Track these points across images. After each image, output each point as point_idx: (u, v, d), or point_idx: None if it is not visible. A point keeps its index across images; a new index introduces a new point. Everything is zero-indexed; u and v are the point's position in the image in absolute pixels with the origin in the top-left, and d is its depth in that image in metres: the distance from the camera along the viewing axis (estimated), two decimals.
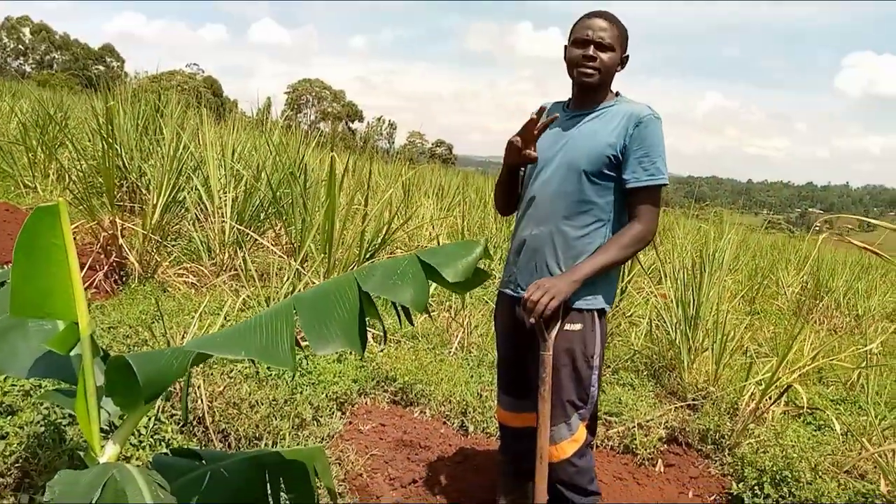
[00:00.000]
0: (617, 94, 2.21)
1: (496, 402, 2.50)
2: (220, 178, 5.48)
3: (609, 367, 4.42)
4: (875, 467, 3.01)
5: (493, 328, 2.52)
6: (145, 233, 4.60)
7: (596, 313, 2.12)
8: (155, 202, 4.89)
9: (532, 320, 2.00)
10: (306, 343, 1.43)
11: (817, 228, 8.27)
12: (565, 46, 2.19)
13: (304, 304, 1.47)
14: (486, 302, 5.07)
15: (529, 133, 2.08)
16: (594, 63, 2.07)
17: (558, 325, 2.05)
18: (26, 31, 70.72)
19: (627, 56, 2.16)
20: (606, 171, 2.07)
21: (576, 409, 2.16)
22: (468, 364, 3.98)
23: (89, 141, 7.35)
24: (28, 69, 65.26)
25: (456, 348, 4.14)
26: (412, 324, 3.35)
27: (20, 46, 70.72)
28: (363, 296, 1.51)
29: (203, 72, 59.61)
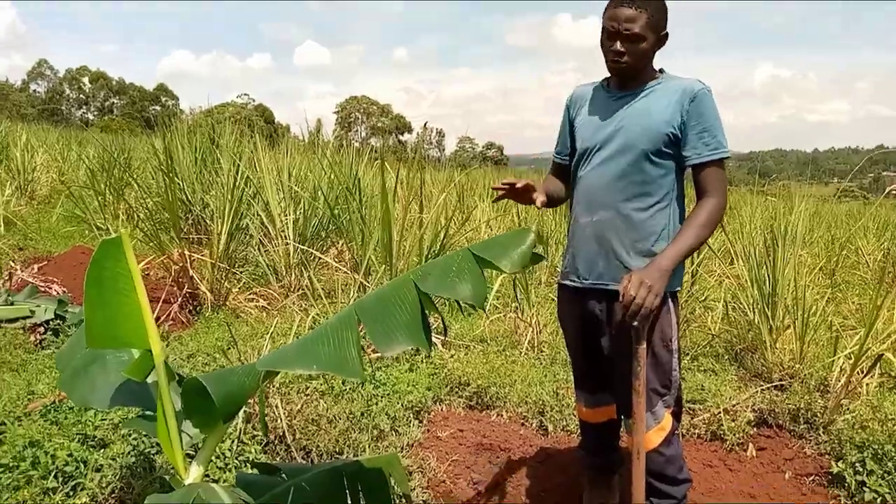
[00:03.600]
0: (661, 70, 2.11)
1: (574, 399, 2.44)
2: (280, 202, 5.60)
3: (688, 354, 4.29)
4: None
5: (560, 324, 2.44)
6: (213, 262, 4.74)
7: (670, 296, 2.05)
8: (219, 231, 5.03)
9: (634, 322, 1.86)
10: (375, 354, 1.43)
11: (894, 192, 7.87)
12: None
13: (366, 309, 1.47)
14: (552, 300, 5.00)
15: (523, 196, 2.08)
16: (623, 58, 1.98)
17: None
18: (86, 80, 74.42)
19: (666, 34, 2.03)
20: (665, 150, 2.00)
21: (660, 397, 2.09)
22: (541, 363, 3.92)
23: (153, 179, 7.65)
24: (91, 117, 68.63)
25: (526, 349, 4.09)
26: (445, 334, 3.33)
27: (82, 96, 74.43)
28: (422, 295, 1.50)
29: (254, 101, 61.41)
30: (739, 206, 11.18)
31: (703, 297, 5.52)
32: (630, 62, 1.98)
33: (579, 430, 2.50)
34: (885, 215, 11.57)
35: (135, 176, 8.16)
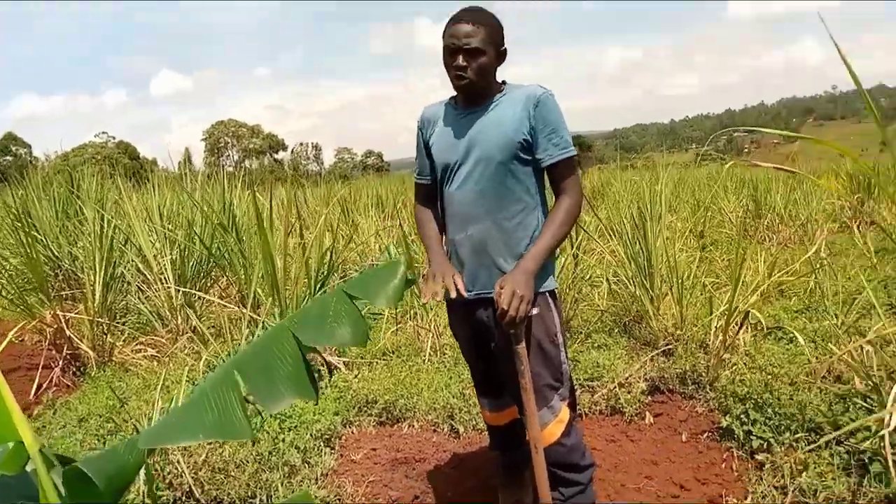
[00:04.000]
0: (503, 82, 2.18)
1: (479, 405, 2.50)
2: (154, 244, 5.36)
3: (581, 332, 4.48)
4: (847, 368, 3.11)
5: (453, 334, 2.50)
6: (91, 317, 4.47)
7: (548, 294, 2.14)
8: (93, 284, 4.75)
9: (512, 330, 1.98)
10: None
11: (746, 151, 8.51)
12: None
13: (246, 366, 1.44)
14: None
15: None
16: (466, 73, 2.03)
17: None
18: None
19: (504, 50, 2.12)
20: (522, 156, 2.07)
21: (555, 391, 2.18)
22: (445, 367, 3.98)
23: (11, 238, 7.11)
24: None
25: (429, 354, 4.14)
26: (331, 376, 3.31)
27: None
28: (302, 346, 1.48)
29: (114, 138, 58.12)
30: (610, 183, 11.77)
31: (588, 276, 5.77)
32: (473, 77, 2.04)
33: (487, 429, 2.57)
34: (741, 173, 12.49)
35: None
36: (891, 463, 2.28)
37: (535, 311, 2.08)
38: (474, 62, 2.02)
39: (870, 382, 2.78)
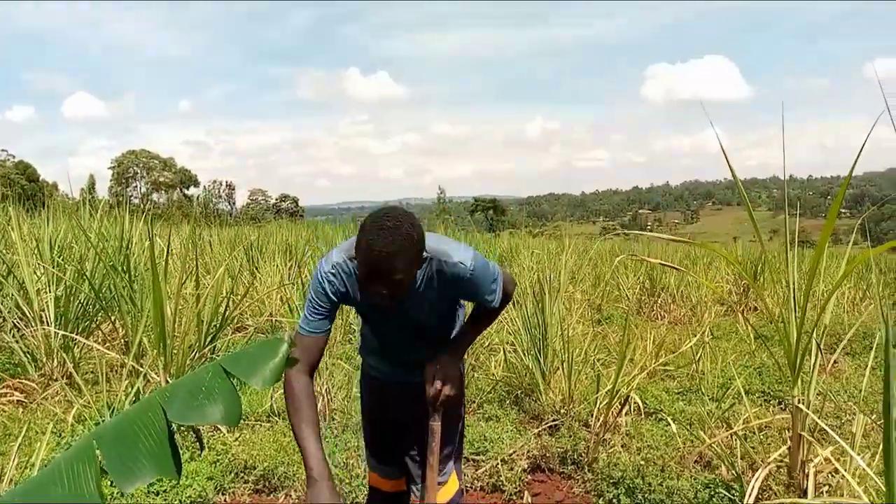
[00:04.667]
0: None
1: (367, 466, 2.47)
2: (38, 279, 5.07)
3: (474, 401, 4.51)
4: (717, 455, 3.26)
5: (361, 405, 2.47)
6: None
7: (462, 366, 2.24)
8: None
9: (438, 412, 2.05)
10: None
11: (649, 227, 8.95)
12: None
13: (106, 441, 1.38)
14: (344, 363, 5.02)
15: None
16: (393, 301, 1.87)
17: None
18: None
19: (422, 255, 1.88)
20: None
21: (449, 460, 2.23)
22: (332, 433, 3.90)
23: None
24: None
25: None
26: (202, 449, 3.24)
27: None
28: (170, 422, 1.44)
29: (14, 157, 54.99)
30: (519, 250, 12.07)
31: (487, 343, 5.86)
32: (401, 295, 1.88)
33: (367, 499, 2.52)
34: (641, 250, 13.09)
35: None
36: None
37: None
38: (399, 288, 1.83)
39: (734, 472, 2.93)
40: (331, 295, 2.01)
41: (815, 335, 2.69)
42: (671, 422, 3.59)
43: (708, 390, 4.62)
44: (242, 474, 3.31)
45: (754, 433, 3.50)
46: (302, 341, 2.00)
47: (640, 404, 4.09)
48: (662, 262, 2.82)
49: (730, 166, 2.72)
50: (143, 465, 1.37)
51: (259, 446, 3.46)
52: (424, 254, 1.92)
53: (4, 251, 5.45)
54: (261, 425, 3.83)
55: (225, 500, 3.15)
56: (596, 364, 4.89)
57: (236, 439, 3.59)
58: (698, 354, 5.18)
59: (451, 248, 2.00)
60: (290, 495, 3.23)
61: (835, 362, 5.58)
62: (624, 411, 3.85)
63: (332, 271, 2.01)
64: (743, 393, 3.44)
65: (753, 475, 2.66)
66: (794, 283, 2.66)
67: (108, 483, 2.55)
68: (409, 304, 2.03)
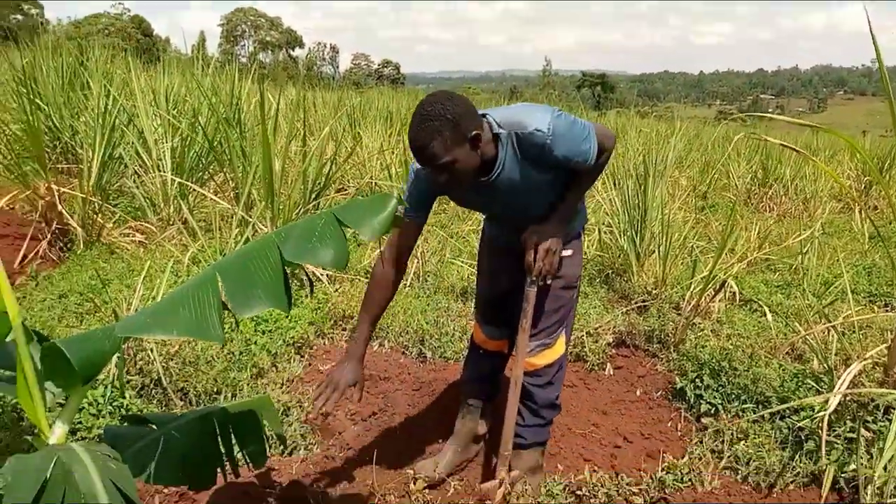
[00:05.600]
0: (492, 132, 1.95)
1: (475, 324, 2.56)
2: (156, 130, 5.34)
3: None
4: (810, 349, 3.19)
5: (478, 266, 2.58)
6: (84, 195, 4.51)
7: (576, 237, 2.27)
8: (90, 161, 4.77)
9: (541, 282, 2.09)
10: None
11: (771, 115, 8.38)
12: None
13: (228, 271, 1.49)
14: (439, 229, 5.12)
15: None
16: (455, 183, 1.91)
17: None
18: None
19: (476, 134, 1.84)
20: (553, 180, 2.07)
21: (559, 325, 2.29)
22: (425, 293, 4.06)
23: (15, 102, 7.06)
24: None
25: (412, 280, 4.21)
26: (311, 291, 3.39)
27: None
28: (284, 259, 1.53)
29: (129, 11, 56.52)
30: (626, 130, 11.63)
31: None
32: (468, 179, 1.92)
33: (468, 354, 2.63)
34: (756, 140, 12.31)
35: None
36: (823, 443, 2.38)
37: (566, 252, 2.18)
38: (452, 171, 1.85)
39: (826, 365, 2.86)
40: (420, 184, 2.06)
41: None
42: (767, 311, 3.50)
43: (811, 286, 4.44)
44: (340, 322, 3.53)
45: (853, 331, 3.37)
46: (402, 225, 2.05)
47: (737, 292, 3.99)
48: (783, 143, 2.63)
49: (874, 41, 2.44)
50: (259, 295, 1.48)
51: (357, 299, 3.65)
52: (499, 130, 1.93)
53: (125, 101, 5.74)
54: (360, 280, 4.03)
55: (323, 343, 3.39)
56: (694, 250, 4.77)
57: (336, 290, 3.80)
58: (805, 248, 4.95)
59: (525, 116, 1.93)
60: (384, 345, 3.44)
61: None
62: (718, 297, 3.78)
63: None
64: (849, 291, 3.29)
65: (846, 370, 2.60)
66: None
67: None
68: (501, 186, 2.01)
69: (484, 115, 1.95)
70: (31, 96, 5.23)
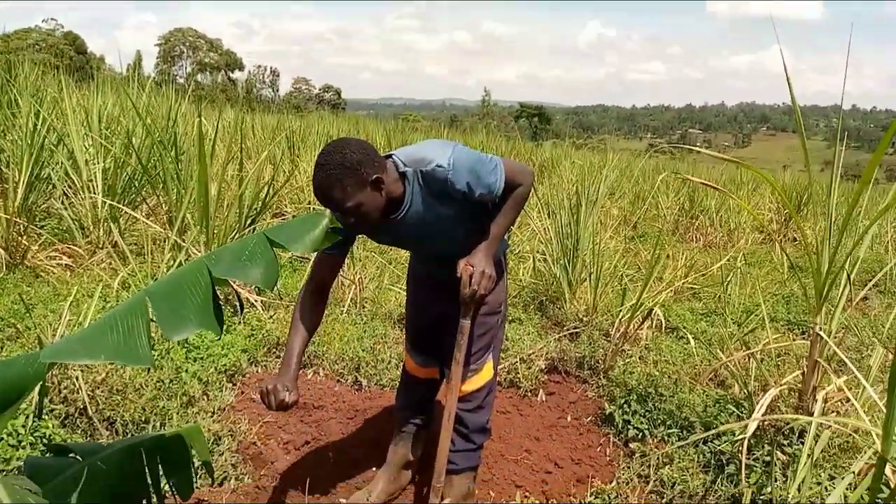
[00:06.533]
0: (398, 170, 2.01)
1: (406, 353, 2.61)
2: (87, 150, 5.21)
3: None
4: (731, 375, 3.34)
5: (407, 297, 2.63)
6: (8, 217, 4.35)
7: (501, 260, 2.35)
8: (17, 181, 4.61)
9: (474, 304, 2.13)
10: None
11: (698, 148, 8.77)
12: None
13: (157, 295, 1.49)
14: (377, 255, 5.14)
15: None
16: (362, 223, 1.96)
17: None
18: None
19: (376, 178, 1.87)
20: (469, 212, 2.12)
21: (486, 351, 2.37)
22: (361, 320, 4.06)
23: None
24: None
25: (348, 305, 4.21)
26: (241, 310, 3.39)
27: None
28: (215, 279, 1.53)
29: (62, 27, 54.84)
30: (560, 161, 11.93)
31: (518, 250, 5.93)
32: (373, 218, 1.95)
33: (400, 382, 2.68)
34: (686, 170, 12.81)
35: None
36: (743, 466, 2.50)
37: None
38: (359, 214, 1.90)
39: (745, 391, 3.00)
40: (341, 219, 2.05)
41: (846, 265, 2.68)
42: (691, 339, 3.65)
43: (732, 314, 4.65)
44: (274, 350, 3.50)
45: (772, 357, 3.55)
46: (318, 258, 2.17)
47: (663, 320, 4.15)
48: (705, 182, 2.80)
49: (790, 86, 2.62)
50: (189, 318, 1.48)
51: None
52: (405, 168, 1.98)
53: (55, 120, 5.58)
54: (294, 306, 4.00)
55: (256, 371, 3.35)
56: (624, 279, 4.93)
57: (270, 317, 3.77)
58: (728, 278, 5.18)
59: (428, 152, 1.99)
60: (318, 373, 3.42)
61: (865, 298, 5.55)
62: (646, 324, 3.92)
63: None
64: (767, 319, 3.47)
65: (764, 396, 2.74)
66: (832, 211, 2.64)
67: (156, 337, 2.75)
68: (413, 222, 2.05)
69: (389, 156, 2.02)
70: None
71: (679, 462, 2.69)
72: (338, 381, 3.39)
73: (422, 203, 2.02)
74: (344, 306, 4.18)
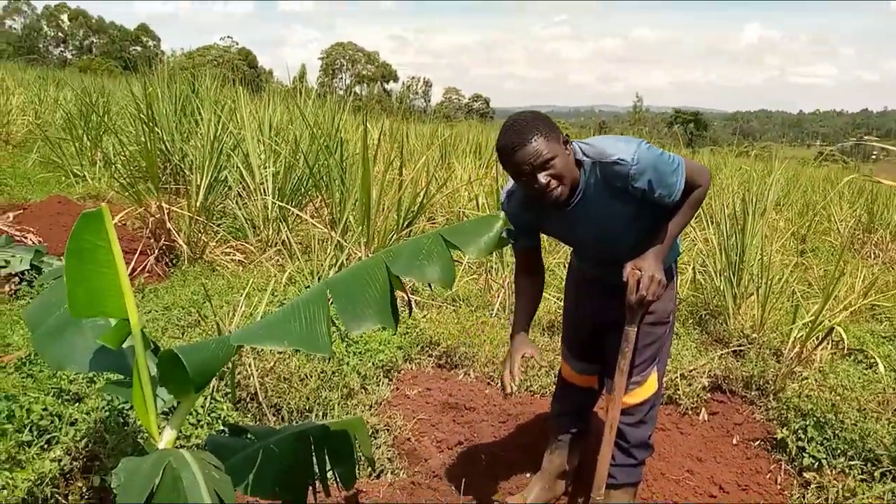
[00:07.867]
0: (576, 158, 1.96)
1: (563, 360, 2.54)
2: (260, 155, 5.60)
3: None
4: None
5: (564, 301, 2.55)
6: (191, 214, 4.76)
7: (673, 268, 2.25)
8: (198, 183, 5.04)
9: (641, 310, 2.02)
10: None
11: (874, 158, 7.93)
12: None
13: (337, 288, 1.54)
14: None
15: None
16: (555, 188, 1.88)
17: None
18: (64, 17, 72.21)
19: (566, 138, 1.92)
20: (642, 212, 2.01)
21: (651, 363, 2.24)
22: (510, 324, 4.03)
23: (132, 126, 7.57)
24: (69, 56, 66.88)
25: (497, 309, 4.20)
26: (410, 312, 3.44)
27: (60, 34, 72.32)
28: (392, 276, 1.56)
29: (237, 44, 59.88)
30: (720, 168, 11.29)
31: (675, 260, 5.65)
32: (561, 185, 1.89)
33: (556, 389, 2.59)
34: (861, 182, 11.68)
35: (113, 123, 8.06)
36: None
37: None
38: (555, 171, 1.86)
39: None
40: (513, 212, 2.08)
41: None
42: (880, 362, 3.29)
43: None
44: (427, 348, 3.55)
45: None
46: (517, 253, 2.29)
47: (845, 340, 3.77)
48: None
49: None
50: (368, 312, 1.52)
51: (444, 326, 3.68)
52: (583, 157, 1.94)
53: (233, 128, 6.05)
54: (447, 306, 4.05)
55: (410, 368, 3.42)
56: (795, 295, 4.55)
57: (424, 317, 3.83)
58: None
59: (609, 146, 1.92)
60: (469, 374, 3.43)
61: None
62: (822, 345, 3.59)
63: (511, 189, 2.11)
64: None
65: None
66: None
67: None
68: (584, 215, 1.99)
69: (569, 142, 1.96)
70: (148, 121, 5.59)
71: (862, 498, 2.42)
72: (488, 383, 3.38)
73: (595, 195, 1.96)
74: (493, 310, 4.18)
